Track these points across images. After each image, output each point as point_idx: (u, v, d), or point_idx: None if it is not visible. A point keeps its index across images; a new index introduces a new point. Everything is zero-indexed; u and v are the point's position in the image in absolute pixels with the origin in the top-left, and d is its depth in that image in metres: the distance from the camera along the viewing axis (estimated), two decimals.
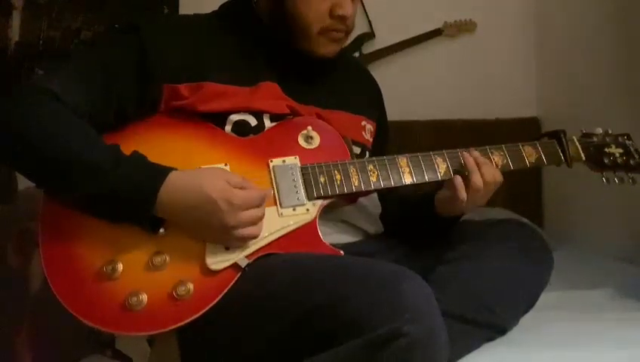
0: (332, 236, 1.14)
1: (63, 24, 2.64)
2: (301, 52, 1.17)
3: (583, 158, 1.25)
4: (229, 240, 0.97)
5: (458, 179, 1.10)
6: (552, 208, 2.55)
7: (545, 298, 1.17)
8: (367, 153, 1.26)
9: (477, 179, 1.09)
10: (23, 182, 1.81)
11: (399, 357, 0.83)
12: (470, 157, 1.12)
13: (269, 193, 1.01)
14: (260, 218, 0.99)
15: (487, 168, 1.12)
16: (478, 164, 1.11)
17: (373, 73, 1.44)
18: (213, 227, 0.96)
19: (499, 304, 1.07)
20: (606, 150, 1.26)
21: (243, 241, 0.98)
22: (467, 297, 1.05)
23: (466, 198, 1.10)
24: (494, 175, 1.12)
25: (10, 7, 2.59)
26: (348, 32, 1.18)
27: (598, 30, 2.20)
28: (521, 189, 2.32)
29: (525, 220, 1.68)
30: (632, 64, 2.01)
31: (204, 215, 0.95)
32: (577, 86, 2.36)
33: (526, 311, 1.15)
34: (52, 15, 2.63)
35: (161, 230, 0.97)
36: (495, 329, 1.08)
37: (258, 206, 0.98)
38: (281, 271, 0.98)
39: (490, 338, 1.08)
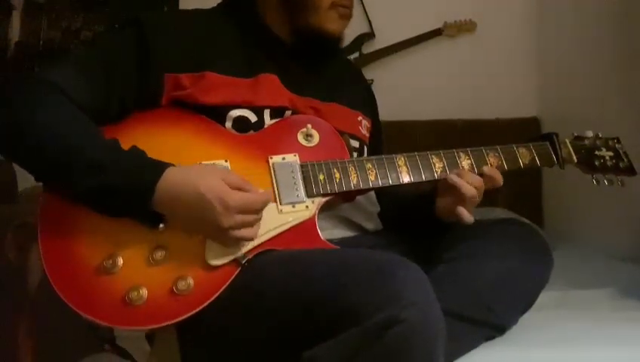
0: (328, 231, 1.14)
1: (63, 24, 2.64)
2: (312, 29, 1.17)
3: (575, 161, 1.27)
4: (225, 240, 0.97)
5: (454, 178, 1.12)
6: (552, 208, 2.55)
7: (545, 297, 1.17)
8: (366, 148, 1.27)
9: (468, 189, 1.11)
10: (24, 182, 1.83)
11: (397, 343, 0.83)
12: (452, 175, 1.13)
13: (268, 197, 0.99)
14: (257, 221, 0.98)
15: (469, 177, 1.13)
16: (461, 176, 1.12)
17: (373, 73, 1.45)
18: (208, 226, 0.95)
19: (498, 303, 1.07)
20: (597, 153, 1.29)
21: (239, 242, 0.98)
22: (467, 296, 1.05)
23: (470, 193, 1.11)
24: (477, 179, 1.13)
25: (10, 7, 2.60)
26: (351, 10, 1.20)
27: (598, 30, 2.20)
28: (521, 189, 2.32)
29: (525, 220, 1.68)
30: (632, 64, 2.01)
31: (199, 213, 0.94)
32: (577, 86, 2.36)
33: (525, 311, 1.14)
34: (52, 15, 2.64)
35: (161, 225, 0.97)
36: (494, 328, 1.08)
37: (256, 211, 0.97)
38: (280, 264, 0.98)
39: (490, 337, 1.08)
